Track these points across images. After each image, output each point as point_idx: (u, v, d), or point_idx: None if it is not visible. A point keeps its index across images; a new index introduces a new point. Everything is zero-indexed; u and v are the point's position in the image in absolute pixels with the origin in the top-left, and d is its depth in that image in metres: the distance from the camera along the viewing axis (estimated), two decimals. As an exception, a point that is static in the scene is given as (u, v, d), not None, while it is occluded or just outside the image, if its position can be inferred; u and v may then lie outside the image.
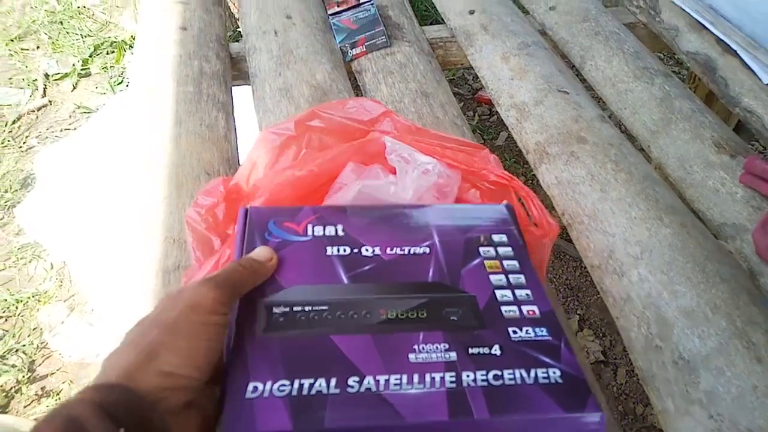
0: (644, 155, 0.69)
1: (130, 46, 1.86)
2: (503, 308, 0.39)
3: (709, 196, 0.62)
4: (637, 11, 0.92)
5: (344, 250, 0.42)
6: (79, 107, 1.61)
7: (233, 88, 0.82)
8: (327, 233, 0.43)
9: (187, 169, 0.61)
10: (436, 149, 0.55)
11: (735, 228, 0.59)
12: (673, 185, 0.66)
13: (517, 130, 0.72)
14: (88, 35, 1.90)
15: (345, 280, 0.40)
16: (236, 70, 0.84)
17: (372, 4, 0.83)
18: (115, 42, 1.85)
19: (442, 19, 0.93)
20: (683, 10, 0.86)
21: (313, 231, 0.43)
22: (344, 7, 0.84)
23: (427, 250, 0.43)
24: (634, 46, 0.81)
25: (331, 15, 0.83)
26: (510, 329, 0.38)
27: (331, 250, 0.42)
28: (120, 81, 1.69)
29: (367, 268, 0.41)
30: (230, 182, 0.53)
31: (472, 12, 0.88)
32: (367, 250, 0.42)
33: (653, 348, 0.49)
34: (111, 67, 1.77)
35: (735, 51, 0.79)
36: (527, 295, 0.41)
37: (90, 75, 1.75)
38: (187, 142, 0.64)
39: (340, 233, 0.43)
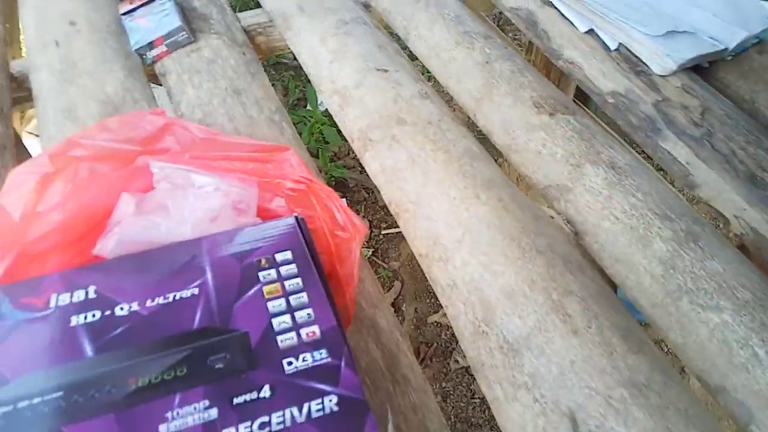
0: (474, 127, 0.66)
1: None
2: (279, 338, 0.35)
3: (533, 159, 0.61)
4: (461, -30, 0.89)
5: (93, 316, 0.36)
6: None
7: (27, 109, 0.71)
8: (74, 299, 0.36)
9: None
10: (223, 162, 0.49)
11: (558, 189, 0.58)
12: (501, 153, 0.64)
13: (341, 118, 0.67)
14: None
15: (90, 353, 0.34)
16: (23, 91, 0.72)
17: (169, -3, 0.74)
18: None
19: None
20: (501, -36, 0.83)
21: (56, 301, 0.36)
22: (137, 3, 0.74)
23: (196, 291, 0.38)
24: (455, 10, 0.78)
25: (123, 15, 0.74)
26: (285, 361, 0.34)
27: (76, 320, 0.35)
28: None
29: (119, 331, 0.35)
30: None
31: (287, -9, 0.81)
32: (122, 308, 0.36)
33: (480, 334, 0.47)
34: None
35: (551, 2, 0.77)
36: (308, 315, 0.37)
37: None
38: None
39: (91, 295, 0.37)
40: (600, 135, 0.61)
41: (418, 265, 0.56)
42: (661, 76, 0.68)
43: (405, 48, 0.81)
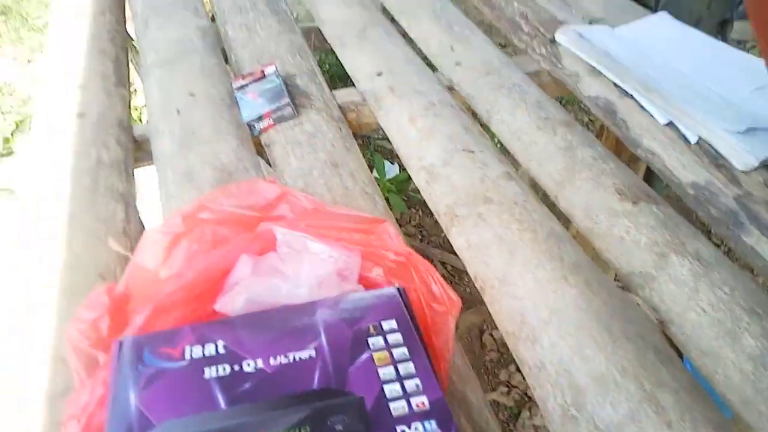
0: (555, 209, 0.69)
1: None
2: (392, 405, 0.38)
3: (616, 245, 0.63)
4: (540, 59, 0.95)
5: (224, 370, 0.39)
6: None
7: (144, 168, 0.80)
8: (206, 353, 0.41)
9: (80, 276, 0.58)
10: (333, 232, 0.53)
11: (642, 277, 0.60)
12: (583, 236, 0.67)
13: (428, 192, 0.72)
14: (9, 111, 1.84)
15: (223, 405, 0.37)
16: (142, 151, 0.81)
17: (277, 75, 0.83)
18: (37, 117, 1.79)
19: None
20: (580, 57, 0.89)
21: (191, 353, 0.41)
22: (249, 79, 0.83)
23: (313, 353, 0.41)
24: (536, 96, 0.83)
25: (236, 89, 0.83)
26: (399, 428, 0.37)
27: (209, 372, 0.39)
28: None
29: (247, 386, 0.39)
30: (115, 290, 0.50)
31: (379, 74, 0.89)
32: (248, 364, 0.40)
33: (570, 418, 0.48)
34: (35, 143, 1.71)
35: (631, 95, 0.81)
36: (417, 386, 0.40)
37: (12, 153, 1.69)
38: (80, 242, 0.61)
39: (221, 350, 0.41)
40: (684, 226, 0.63)
41: (477, 338, 0.58)
42: (742, 171, 0.70)
43: (488, 131, 0.86)
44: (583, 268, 0.58)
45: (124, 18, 1.09)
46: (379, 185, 1.66)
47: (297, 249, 0.50)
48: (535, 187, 0.75)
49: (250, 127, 0.79)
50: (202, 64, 0.88)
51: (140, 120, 1.75)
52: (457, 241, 0.65)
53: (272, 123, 0.79)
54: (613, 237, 0.64)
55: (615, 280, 0.64)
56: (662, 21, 0.95)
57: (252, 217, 0.55)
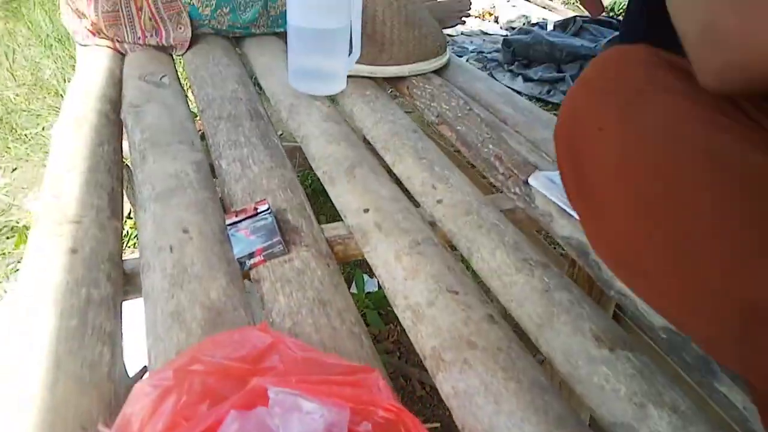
0: (536, 349, 0.72)
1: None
2: None
3: (597, 393, 0.65)
4: (516, 198, 1.02)
5: None
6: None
7: (132, 300, 0.80)
8: None
9: (60, 426, 0.56)
10: (323, 386, 0.54)
11: (624, 428, 0.61)
12: (564, 382, 0.69)
13: (414, 333, 0.73)
14: (-12, 221, 1.84)
15: None
16: (132, 285, 0.82)
17: (269, 212, 0.87)
18: (15, 227, 1.80)
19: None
20: (549, 198, 0.96)
21: None
22: (242, 216, 0.87)
23: None
24: (514, 237, 0.88)
25: (229, 225, 0.86)
26: None
27: None
28: (16, 269, 1.61)
29: None
30: (101, 451, 0.49)
31: (366, 210, 0.94)
32: None
33: None
34: (9, 253, 1.70)
35: (600, 237, 0.87)
36: None
37: (-13, 266, 1.67)
38: (64, 388, 0.60)
39: None
40: (660, 374, 0.66)
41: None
42: (709, 315, 0.74)
43: (468, 267, 0.90)
44: (568, 422, 0.59)
45: (121, 147, 1.14)
46: (357, 301, 1.67)
47: (289, 407, 0.50)
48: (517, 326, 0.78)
49: (241, 263, 0.81)
50: (196, 199, 0.92)
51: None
52: (444, 388, 0.66)
53: (263, 259, 0.82)
54: (593, 384, 0.66)
55: (598, 429, 0.65)
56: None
57: (243, 369, 0.56)
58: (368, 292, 1.86)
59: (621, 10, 5.23)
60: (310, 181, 2.12)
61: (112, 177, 1.00)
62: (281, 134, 2.18)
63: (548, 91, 3.40)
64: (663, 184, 0.52)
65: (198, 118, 1.34)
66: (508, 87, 3.62)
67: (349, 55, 1.31)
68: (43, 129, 2.49)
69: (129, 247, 1.81)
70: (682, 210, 0.51)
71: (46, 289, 0.72)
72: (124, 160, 1.12)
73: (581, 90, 0.65)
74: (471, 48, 4.18)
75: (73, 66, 2.90)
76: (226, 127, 1.17)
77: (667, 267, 0.53)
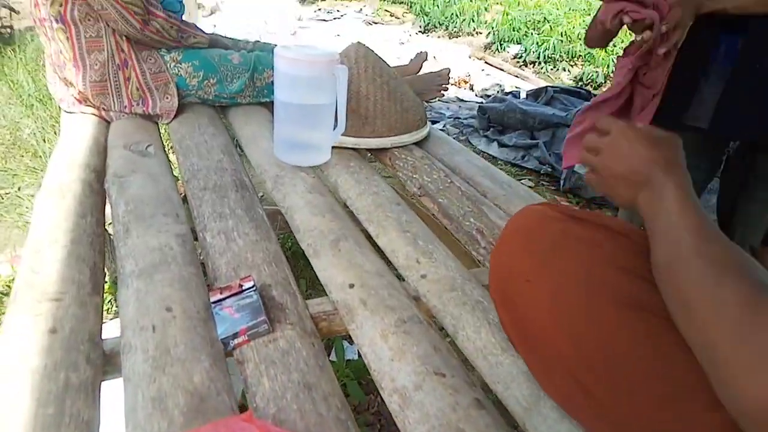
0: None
1: (3, 294, 1.77)
2: None
3: (587, 482, 0.64)
4: (498, 273, 1.04)
5: None
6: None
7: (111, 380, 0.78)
8: None
9: None
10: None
11: None
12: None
13: (401, 419, 0.72)
14: (-45, 286, 1.78)
15: None
16: (111, 365, 0.80)
17: (254, 289, 0.87)
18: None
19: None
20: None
21: None
22: (227, 293, 0.86)
23: None
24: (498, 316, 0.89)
25: (213, 303, 0.85)
26: None
27: None
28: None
29: None
30: None
31: (351, 286, 0.94)
32: None
33: None
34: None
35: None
36: None
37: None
38: (36, 486, 0.57)
39: None
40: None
41: None
42: None
43: (453, 344, 0.90)
44: None
45: (104, 219, 1.13)
46: (337, 370, 1.64)
47: None
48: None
49: (225, 343, 0.80)
50: (180, 274, 0.91)
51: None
52: (432, 477, 0.65)
53: (247, 339, 0.81)
54: (583, 473, 0.65)
55: None
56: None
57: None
58: (348, 360, 1.83)
59: (589, 80, 5.53)
60: (290, 244, 2.12)
61: (94, 250, 0.98)
62: (262, 195, 2.19)
63: (522, 157, 3.53)
64: (590, 324, 0.60)
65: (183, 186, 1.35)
66: (484, 152, 3.75)
67: (334, 128, 1.35)
68: (19, 189, 2.46)
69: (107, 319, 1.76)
70: (610, 347, 0.58)
71: (24, 375, 0.70)
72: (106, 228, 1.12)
73: (505, 248, 0.75)
74: (448, 114, 4.34)
75: (54, 126, 2.90)
76: (212, 198, 1.18)
77: (599, 394, 0.60)
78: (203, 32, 1.67)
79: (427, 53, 2.16)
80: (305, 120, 1.32)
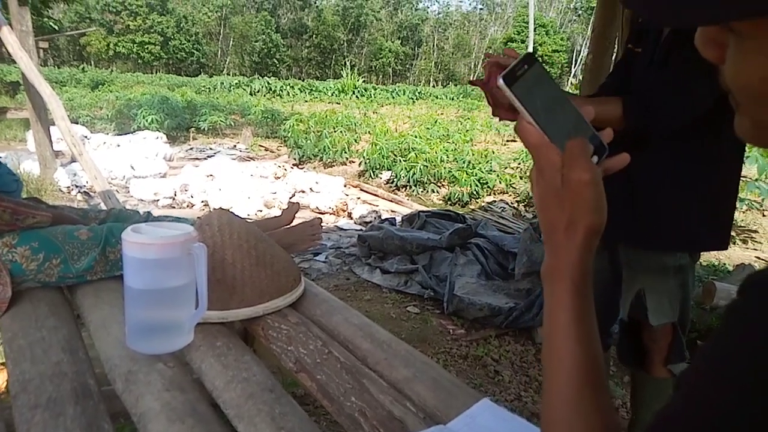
0: None
1: None
2: None
3: None
4: (386, 463, 0.95)
5: None
6: None
7: None
8: None
9: None
10: None
11: None
12: None
13: None
14: None
15: None
16: None
17: None
18: None
19: None
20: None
21: None
22: None
23: None
24: None
25: None
26: None
27: None
28: None
29: None
30: None
31: None
32: None
33: None
34: None
35: None
36: None
37: None
38: None
39: None
40: None
41: None
42: None
43: None
44: None
45: None
46: None
47: None
48: None
49: None
50: None
51: None
52: None
53: None
54: None
55: None
56: (484, 410, 1.05)
57: None
58: None
59: (456, 200, 5.97)
60: None
61: None
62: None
63: (405, 282, 3.58)
64: None
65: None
66: (368, 281, 3.76)
67: (196, 308, 1.24)
68: None
69: None
70: None
71: None
72: None
73: None
74: (329, 244, 4.37)
75: None
76: (43, 418, 0.98)
77: None
78: (45, 209, 1.53)
79: (299, 204, 2.17)
80: (161, 304, 1.20)
